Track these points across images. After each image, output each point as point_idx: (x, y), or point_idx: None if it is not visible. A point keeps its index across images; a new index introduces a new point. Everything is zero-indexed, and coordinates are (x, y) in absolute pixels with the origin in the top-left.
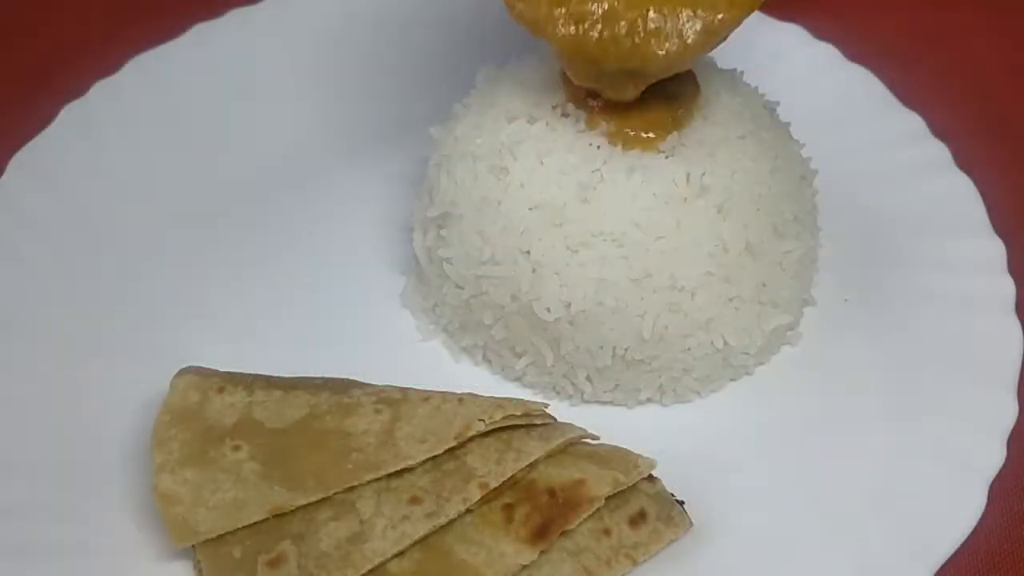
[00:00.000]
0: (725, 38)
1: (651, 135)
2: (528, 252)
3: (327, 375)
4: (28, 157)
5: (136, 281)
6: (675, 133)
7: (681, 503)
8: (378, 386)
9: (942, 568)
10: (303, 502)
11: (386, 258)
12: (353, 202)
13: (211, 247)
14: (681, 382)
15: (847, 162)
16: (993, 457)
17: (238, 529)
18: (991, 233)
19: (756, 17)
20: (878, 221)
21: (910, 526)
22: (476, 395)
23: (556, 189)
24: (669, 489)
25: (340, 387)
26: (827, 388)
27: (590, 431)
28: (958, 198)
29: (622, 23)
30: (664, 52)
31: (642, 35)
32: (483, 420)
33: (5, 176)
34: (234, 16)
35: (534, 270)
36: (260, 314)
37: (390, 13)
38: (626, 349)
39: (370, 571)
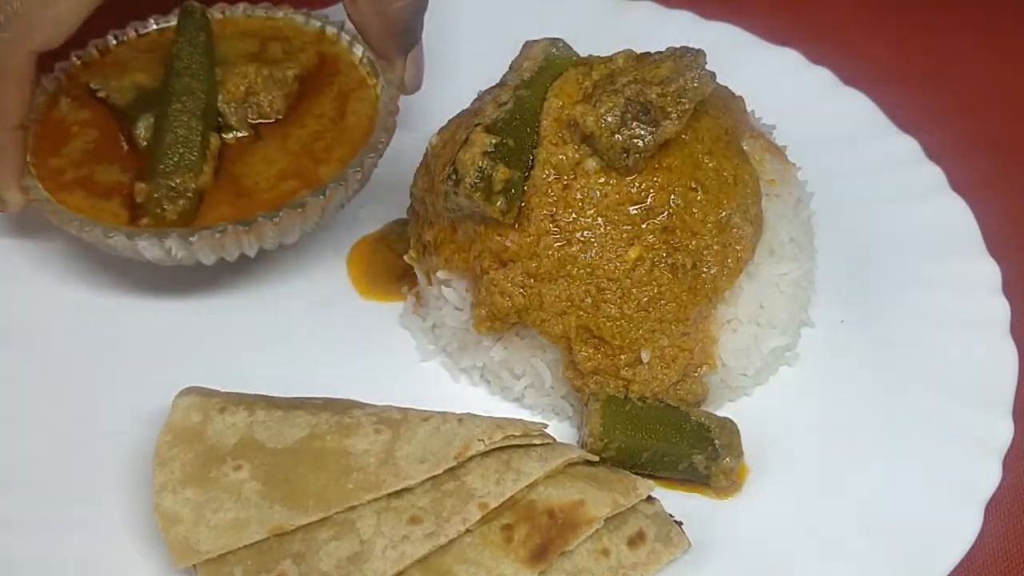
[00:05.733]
0: None
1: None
2: None
3: (327, 395)
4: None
5: (139, 301)
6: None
7: (679, 523)
8: (378, 406)
9: None
10: (304, 522)
11: None
12: (353, 223)
13: (214, 268)
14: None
15: (843, 185)
16: (989, 477)
17: (239, 549)
18: (986, 255)
19: (753, 42)
20: (874, 243)
21: (907, 546)
22: (476, 415)
23: None
24: (667, 509)
25: (340, 407)
26: (824, 409)
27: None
28: (953, 220)
29: None
30: None
31: None
32: (483, 440)
33: None
34: None
35: None
36: (261, 335)
37: None
38: None
39: None
